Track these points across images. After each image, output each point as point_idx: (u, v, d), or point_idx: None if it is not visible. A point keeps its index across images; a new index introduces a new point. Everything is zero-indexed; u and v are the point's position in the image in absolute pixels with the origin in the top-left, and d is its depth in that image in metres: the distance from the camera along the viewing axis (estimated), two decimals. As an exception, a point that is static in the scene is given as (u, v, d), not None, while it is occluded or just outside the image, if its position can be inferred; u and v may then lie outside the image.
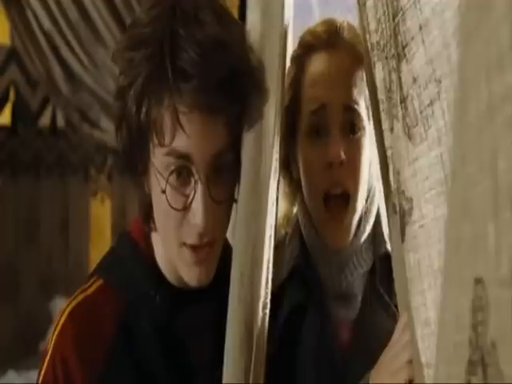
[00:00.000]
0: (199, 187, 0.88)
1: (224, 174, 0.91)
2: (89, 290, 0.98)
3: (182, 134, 0.86)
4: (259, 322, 0.90)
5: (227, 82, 0.86)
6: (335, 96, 1.06)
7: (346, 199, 1.06)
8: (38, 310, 4.29)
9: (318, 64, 1.08)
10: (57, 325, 0.95)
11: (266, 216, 0.91)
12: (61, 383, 0.93)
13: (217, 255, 0.94)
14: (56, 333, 0.95)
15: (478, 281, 0.41)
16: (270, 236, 0.92)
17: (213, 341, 0.98)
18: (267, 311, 0.92)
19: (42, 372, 0.95)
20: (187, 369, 0.98)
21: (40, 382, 0.95)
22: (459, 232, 0.45)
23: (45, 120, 4.60)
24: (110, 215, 4.69)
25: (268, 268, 0.92)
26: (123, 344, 0.95)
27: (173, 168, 0.88)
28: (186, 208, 0.89)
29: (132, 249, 1.00)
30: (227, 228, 0.96)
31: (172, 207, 0.89)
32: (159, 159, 0.89)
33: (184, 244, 0.91)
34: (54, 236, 4.74)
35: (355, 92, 1.05)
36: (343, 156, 1.03)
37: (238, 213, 0.91)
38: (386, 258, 0.96)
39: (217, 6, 0.93)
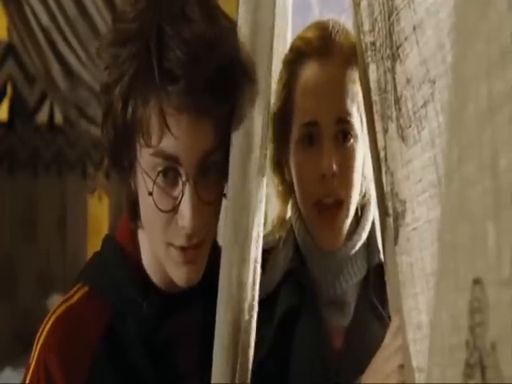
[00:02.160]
0: (187, 189, 0.86)
1: (212, 174, 0.90)
2: (72, 298, 0.97)
3: (169, 136, 0.84)
4: (246, 324, 0.89)
5: (215, 82, 0.84)
6: (327, 110, 1.04)
7: (338, 205, 1.05)
8: (36, 307, 4.29)
9: (309, 74, 1.07)
10: (40, 336, 0.94)
11: (255, 214, 0.89)
12: None
13: (205, 254, 0.93)
14: (40, 343, 0.93)
15: (477, 281, 0.40)
16: (258, 235, 0.91)
17: (200, 345, 0.97)
18: (254, 313, 0.91)
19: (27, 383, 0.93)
20: (175, 374, 0.96)
21: None
22: (456, 233, 0.44)
23: (42, 116, 4.59)
24: (108, 213, 4.69)
25: (255, 268, 0.91)
26: (109, 351, 0.93)
27: (160, 169, 0.86)
28: (173, 210, 0.88)
29: (117, 253, 0.98)
30: (216, 227, 0.94)
31: (159, 209, 0.87)
32: (146, 159, 0.87)
33: (171, 245, 0.90)
34: (52, 234, 4.74)
35: (348, 102, 1.04)
36: (335, 168, 1.03)
37: (226, 211, 0.90)
38: (380, 268, 0.96)
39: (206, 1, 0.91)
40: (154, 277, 0.97)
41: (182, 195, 0.87)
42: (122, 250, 0.98)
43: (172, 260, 0.91)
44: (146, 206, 0.90)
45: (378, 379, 0.84)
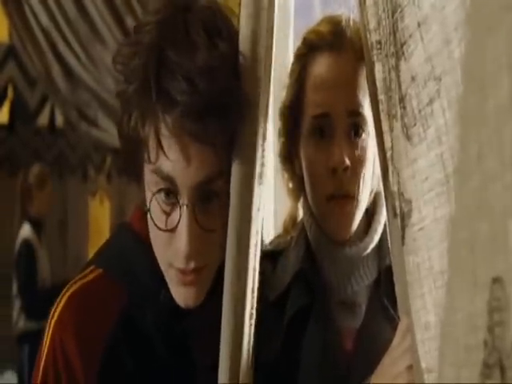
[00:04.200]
0: (184, 212, 0.86)
1: (215, 203, 0.89)
2: (87, 277, 0.96)
3: (165, 157, 0.85)
4: (247, 331, 0.90)
5: (213, 110, 0.83)
6: (339, 103, 1.04)
7: (348, 199, 1.05)
8: (37, 309, 4.28)
9: (321, 67, 1.07)
10: (53, 313, 0.93)
11: (253, 222, 0.90)
12: (61, 370, 0.90)
13: (208, 278, 0.92)
14: (54, 321, 0.92)
15: (496, 280, 0.40)
16: (256, 243, 0.91)
17: (215, 338, 0.96)
18: (253, 322, 0.91)
19: (42, 362, 0.92)
20: (189, 364, 0.96)
21: (41, 371, 0.92)
22: (472, 231, 0.43)
23: (43, 119, 4.60)
24: (109, 216, 4.69)
25: (254, 277, 0.91)
26: (125, 335, 0.93)
27: (159, 187, 0.87)
28: (172, 230, 0.87)
29: (133, 240, 0.98)
30: (224, 253, 0.92)
31: (157, 227, 0.87)
32: (148, 175, 0.88)
33: (171, 265, 0.90)
34: (53, 236, 4.74)
35: (360, 95, 1.03)
36: (347, 162, 1.02)
37: (228, 220, 0.90)
38: (391, 270, 0.96)
39: (210, 19, 0.89)
40: None
41: (180, 217, 0.86)
42: (137, 237, 0.97)
43: (171, 281, 0.91)
44: (149, 219, 0.91)
45: (386, 380, 0.83)
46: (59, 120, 4.55)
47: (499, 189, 0.40)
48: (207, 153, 0.85)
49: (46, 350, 0.92)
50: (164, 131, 0.83)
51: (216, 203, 0.89)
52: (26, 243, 3.63)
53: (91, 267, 0.97)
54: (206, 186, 0.87)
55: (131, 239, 0.98)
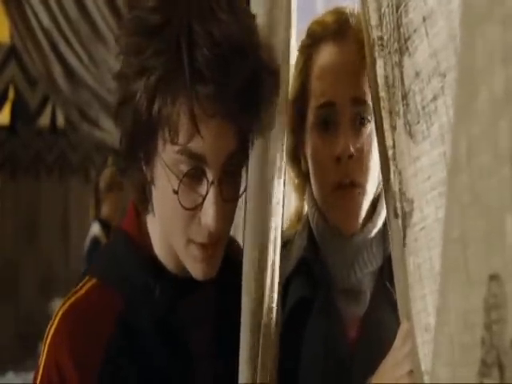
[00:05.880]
0: (212, 188, 0.86)
1: (234, 174, 0.91)
2: (81, 290, 0.95)
3: (197, 137, 0.84)
4: (265, 326, 0.90)
5: (245, 90, 0.84)
6: (343, 91, 1.04)
7: (355, 187, 1.04)
8: (38, 311, 4.28)
9: (326, 56, 1.07)
10: (49, 331, 0.92)
11: (272, 216, 0.90)
12: None
13: (223, 249, 0.93)
14: (49, 338, 0.91)
15: (493, 277, 0.39)
16: (275, 238, 0.91)
17: (213, 329, 0.97)
18: (273, 316, 0.91)
19: (38, 381, 0.91)
20: (188, 358, 0.96)
21: None
22: (465, 229, 0.42)
23: (44, 119, 4.60)
24: (110, 216, 4.68)
25: (273, 271, 0.91)
26: (123, 342, 0.92)
27: (187, 168, 0.86)
28: (197, 207, 0.88)
29: (126, 243, 0.97)
30: (232, 223, 0.94)
31: (183, 207, 0.87)
32: (170, 156, 0.87)
33: (192, 241, 0.89)
34: (54, 237, 4.74)
35: (365, 84, 1.03)
36: (352, 150, 1.02)
37: (245, 213, 0.91)
38: None
39: None
40: (167, 263, 0.96)
41: (207, 194, 0.87)
42: (130, 239, 0.97)
43: (191, 256, 0.90)
44: (166, 201, 0.89)
45: (388, 381, 0.82)
46: (60, 121, 4.55)
47: (495, 184, 0.39)
48: (233, 128, 0.86)
49: (41, 370, 0.91)
50: (198, 112, 0.83)
51: (236, 174, 0.91)
52: (96, 240, 3.81)
53: (85, 279, 0.96)
54: (231, 161, 0.88)
55: (123, 243, 0.98)
